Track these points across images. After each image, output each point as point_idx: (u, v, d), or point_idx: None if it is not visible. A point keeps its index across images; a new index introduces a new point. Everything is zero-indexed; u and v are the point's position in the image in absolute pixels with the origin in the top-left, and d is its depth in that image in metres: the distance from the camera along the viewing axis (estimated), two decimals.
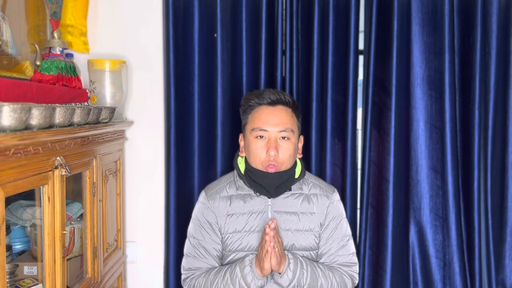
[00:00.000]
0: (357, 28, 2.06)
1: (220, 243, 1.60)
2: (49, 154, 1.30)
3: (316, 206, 1.61)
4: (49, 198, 1.32)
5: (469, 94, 2.05)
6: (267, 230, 1.40)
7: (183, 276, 1.63)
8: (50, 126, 1.27)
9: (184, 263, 1.64)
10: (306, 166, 2.07)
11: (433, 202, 2.12)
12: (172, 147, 2.09)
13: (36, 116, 1.15)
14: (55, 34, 1.67)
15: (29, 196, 1.49)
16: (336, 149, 2.14)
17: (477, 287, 2.06)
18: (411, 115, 2.10)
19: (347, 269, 1.60)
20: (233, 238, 1.57)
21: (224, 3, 2.07)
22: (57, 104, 1.38)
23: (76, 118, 1.41)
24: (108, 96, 1.94)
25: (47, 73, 1.58)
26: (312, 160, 2.10)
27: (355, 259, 1.64)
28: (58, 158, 1.34)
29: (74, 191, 1.66)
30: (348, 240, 1.63)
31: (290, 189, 1.60)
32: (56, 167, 1.34)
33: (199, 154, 2.13)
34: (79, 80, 1.73)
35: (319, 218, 1.60)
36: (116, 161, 1.97)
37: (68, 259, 1.49)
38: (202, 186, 1.99)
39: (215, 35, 2.08)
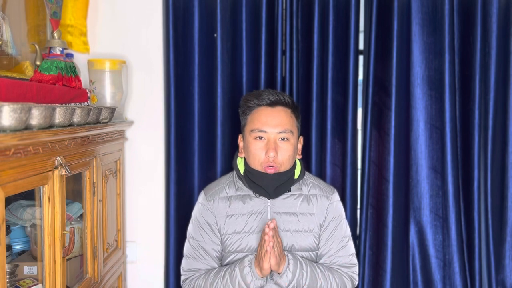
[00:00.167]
0: (357, 28, 2.06)
1: (220, 244, 1.60)
2: (49, 154, 1.30)
3: (315, 207, 1.60)
4: (49, 198, 1.32)
5: (469, 94, 2.04)
6: (266, 230, 1.40)
7: (182, 277, 1.63)
8: (50, 126, 1.27)
9: (184, 264, 1.64)
10: (306, 166, 2.07)
11: (433, 202, 2.12)
12: (172, 147, 2.10)
13: (36, 116, 1.15)
14: (55, 34, 1.67)
15: (29, 196, 1.49)
16: (336, 149, 2.14)
17: (477, 287, 2.06)
18: (411, 115, 2.10)
19: (347, 270, 1.60)
20: (232, 239, 1.57)
21: (224, 3, 2.07)
22: (57, 104, 1.38)
23: (76, 118, 1.41)
24: (108, 96, 1.94)
25: (47, 73, 1.58)
26: (312, 160, 2.10)
27: (355, 260, 1.64)
28: (58, 158, 1.35)
29: (74, 191, 1.66)
30: (347, 241, 1.63)
31: (289, 190, 1.60)
32: (56, 167, 1.34)
33: (199, 154, 2.13)
34: (79, 80, 1.73)
35: (318, 219, 1.60)
36: (116, 161, 1.97)
37: (68, 259, 1.50)
38: (202, 186, 1.99)
39: (215, 35, 2.08)
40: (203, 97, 2.12)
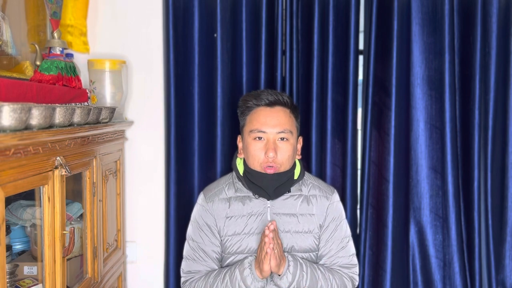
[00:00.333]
0: (357, 28, 2.06)
1: (219, 245, 1.59)
2: (49, 154, 1.30)
3: (315, 208, 1.60)
4: (49, 198, 1.32)
5: (469, 94, 2.04)
6: (266, 232, 1.40)
7: (182, 279, 1.63)
8: (50, 126, 1.27)
9: (184, 265, 1.63)
10: (306, 167, 2.07)
11: (433, 202, 2.12)
12: (172, 147, 2.09)
13: (36, 116, 1.15)
14: (55, 34, 1.67)
15: (29, 196, 1.49)
16: (336, 149, 2.14)
17: (477, 287, 2.06)
18: (411, 115, 2.10)
19: (347, 271, 1.60)
20: (232, 240, 1.57)
21: (224, 3, 2.07)
22: (57, 104, 1.38)
23: (76, 118, 1.41)
24: (108, 96, 1.94)
25: (47, 73, 1.58)
26: (312, 160, 2.10)
27: (355, 261, 1.63)
28: (58, 158, 1.35)
29: (74, 191, 1.66)
30: (348, 241, 1.63)
31: (289, 191, 1.60)
32: (56, 167, 1.34)
33: (199, 154, 2.13)
34: (79, 80, 1.73)
35: (318, 220, 1.59)
36: (116, 161, 1.97)
37: (68, 259, 1.49)
38: (202, 186, 1.99)
39: (215, 35, 2.08)
40: (203, 97, 2.12)
